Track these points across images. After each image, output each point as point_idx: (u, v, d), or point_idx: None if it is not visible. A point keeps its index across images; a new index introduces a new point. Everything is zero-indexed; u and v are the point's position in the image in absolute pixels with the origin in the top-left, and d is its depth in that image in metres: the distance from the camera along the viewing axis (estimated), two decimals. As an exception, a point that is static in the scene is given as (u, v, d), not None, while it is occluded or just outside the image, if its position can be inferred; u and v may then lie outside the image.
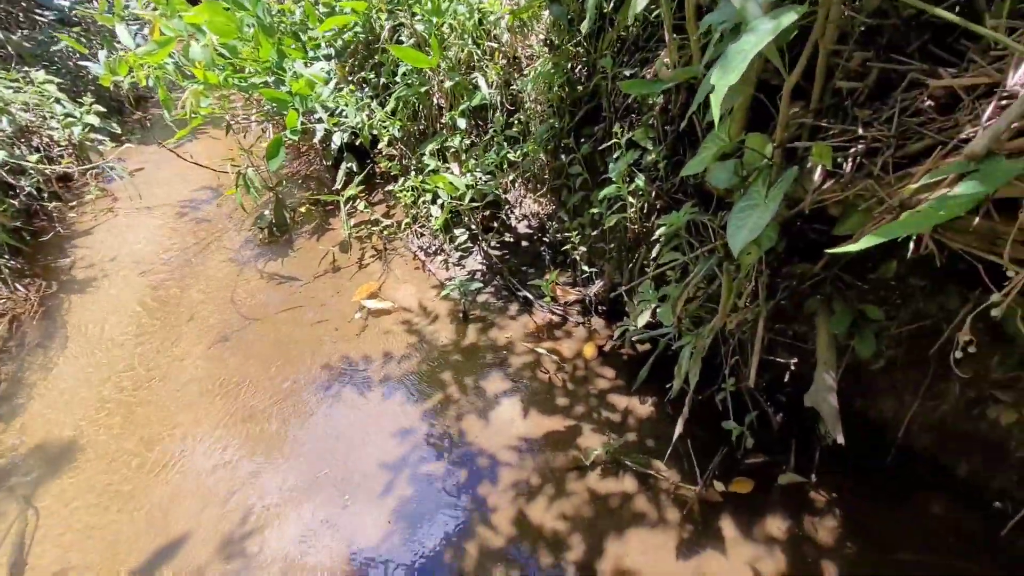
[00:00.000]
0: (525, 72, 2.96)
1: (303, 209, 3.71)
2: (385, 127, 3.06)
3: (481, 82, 2.79)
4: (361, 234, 3.41)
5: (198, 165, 4.06)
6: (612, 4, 2.15)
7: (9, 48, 4.71)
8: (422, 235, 3.24)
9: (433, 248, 3.15)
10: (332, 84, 2.97)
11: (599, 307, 2.59)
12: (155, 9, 3.13)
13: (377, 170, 3.64)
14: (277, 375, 2.54)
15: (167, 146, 3.94)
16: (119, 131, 4.37)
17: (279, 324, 2.84)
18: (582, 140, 2.59)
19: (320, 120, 3.15)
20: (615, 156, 2.08)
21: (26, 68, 4.61)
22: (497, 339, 2.58)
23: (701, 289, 1.83)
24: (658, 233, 1.80)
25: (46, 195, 3.72)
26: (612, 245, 2.37)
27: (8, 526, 1.99)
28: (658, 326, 2.12)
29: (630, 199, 2.07)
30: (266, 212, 3.43)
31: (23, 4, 5.19)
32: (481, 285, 2.67)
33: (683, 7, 1.55)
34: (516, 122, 2.82)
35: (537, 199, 3.21)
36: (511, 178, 2.79)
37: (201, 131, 5.00)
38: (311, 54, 3.32)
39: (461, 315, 2.69)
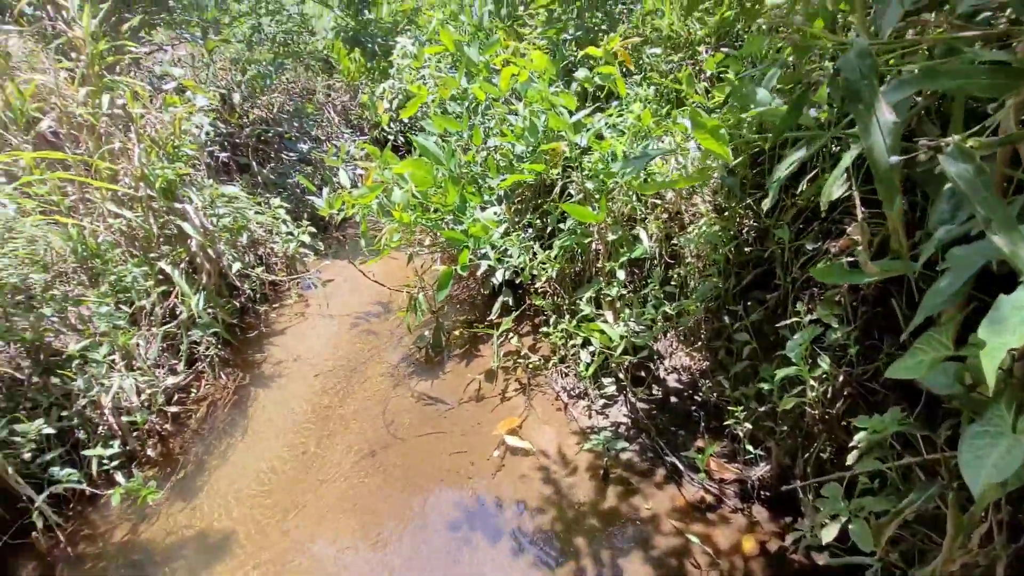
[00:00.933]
0: (688, 228, 2.99)
1: (457, 333, 3.96)
2: (544, 268, 3.24)
3: (643, 235, 2.87)
4: (507, 364, 3.51)
5: (377, 283, 4.62)
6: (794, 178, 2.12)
7: (259, 178, 6.02)
8: (566, 375, 3.23)
9: (577, 391, 3.11)
10: (502, 228, 3.27)
11: (763, 493, 2.27)
12: (370, 159, 3.83)
13: (529, 303, 3.81)
14: (411, 504, 2.56)
15: (356, 266, 4.56)
16: (321, 248, 5.20)
17: (421, 448, 2.92)
18: (749, 304, 2.46)
19: (486, 256, 3.44)
20: (793, 332, 1.92)
21: (267, 195, 5.85)
22: (640, 509, 2.36)
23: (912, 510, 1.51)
24: (857, 438, 1.56)
25: (258, 296, 4.45)
26: (784, 428, 2.11)
27: (163, 612, 2.14)
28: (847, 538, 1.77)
29: (812, 382, 1.87)
30: (426, 333, 3.72)
31: (275, 146, 6.71)
32: (626, 444, 2.52)
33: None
34: (675, 276, 2.80)
35: (690, 352, 3.07)
36: (664, 329, 2.71)
37: (386, 251, 5.78)
38: (486, 198, 3.74)
39: (602, 472, 2.54)
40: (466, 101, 3.97)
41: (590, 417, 2.93)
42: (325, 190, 4.04)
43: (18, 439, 2.23)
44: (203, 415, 3.18)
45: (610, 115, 3.12)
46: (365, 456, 2.90)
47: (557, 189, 3.30)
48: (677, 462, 2.51)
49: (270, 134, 6.57)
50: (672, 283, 2.77)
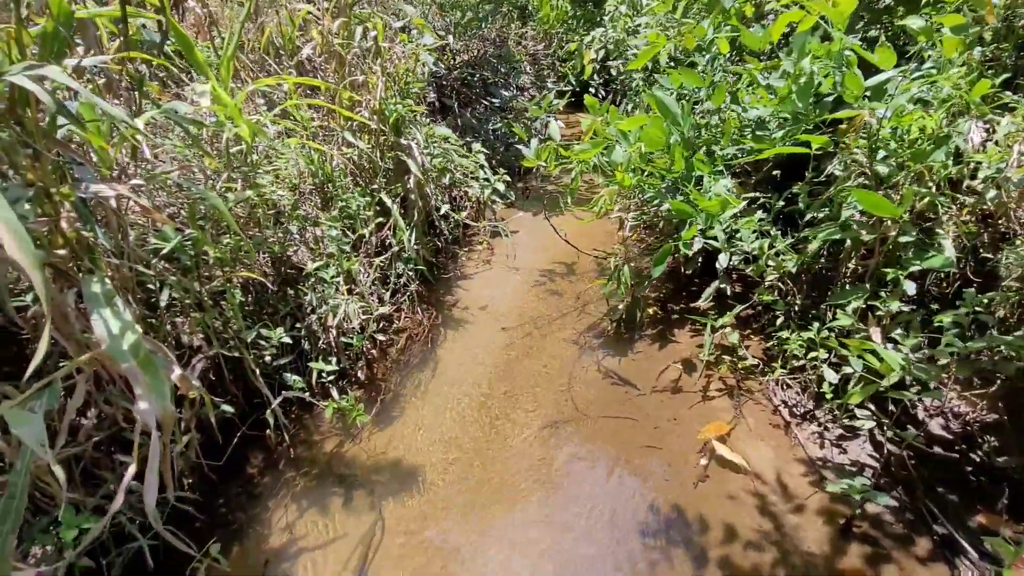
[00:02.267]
0: (1014, 240, 2.25)
1: (651, 311, 3.63)
2: (784, 261, 2.72)
3: (947, 244, 2.21)
4: (710, 357, 3.11)
5: (567, 242, 4.43)
6: None
7: (459, 121, 6.10)
8: (789, 386, 2.74)
9: (803, 410, 2.62)
10: (740, 206, 2.80)
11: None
12: (572, 112, 3.54)
13: (753, 298, 3.31)
14: (598, 493, 2.37)
15: (550, 222, 4.41)
16: (512, 197, 5.14)
17: (608, 431, 2.71)
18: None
19: (712, 236, 3.01)
20: None
21: (467, 139, 5.94)
22: (893, 583, 1.89)
23: None
24: None
25: (451, 239, 4.54)
26: None
27: (361, 532, 2.25)
28: None
29: None
30: (620, 306, 3.44)
31: (477, 91, 6.75)
32: (885, 498, 2.02)
33: None
34: (985, 303, 2.13)
35: (969, 397, 2.38)
36: (965, 371, 2.09)
37: (569, 209, 5.58)
38: (717, 168, 3.26)
39: (843, 524, 2.08)
40: (708, 53, 3.45)
41: (822, 447, 2.44)
42: (533, 140, 3.87)
43: (262, 343, 2.45)
44: (401, 346, 3.31)
45: (926, 80, 2.41)
46: (548, 426, 2.77)
47: (835, 169, 2.71)
48: (956, 534, 1.95)
49: (474, 78, 6.63)
50: (978, 311, 2.11)
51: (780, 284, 2.87)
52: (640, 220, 3.56)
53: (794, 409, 2.64)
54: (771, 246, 2.78)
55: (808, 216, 2.79)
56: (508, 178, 4.99)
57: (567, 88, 6.45)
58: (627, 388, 3.00)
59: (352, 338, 2.80)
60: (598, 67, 6.51)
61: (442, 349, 3.40)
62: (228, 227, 2.56)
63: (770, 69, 3.22)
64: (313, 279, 2.85)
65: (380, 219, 3.54)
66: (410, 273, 3.63)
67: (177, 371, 1.48)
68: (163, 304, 1.97)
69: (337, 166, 3.53)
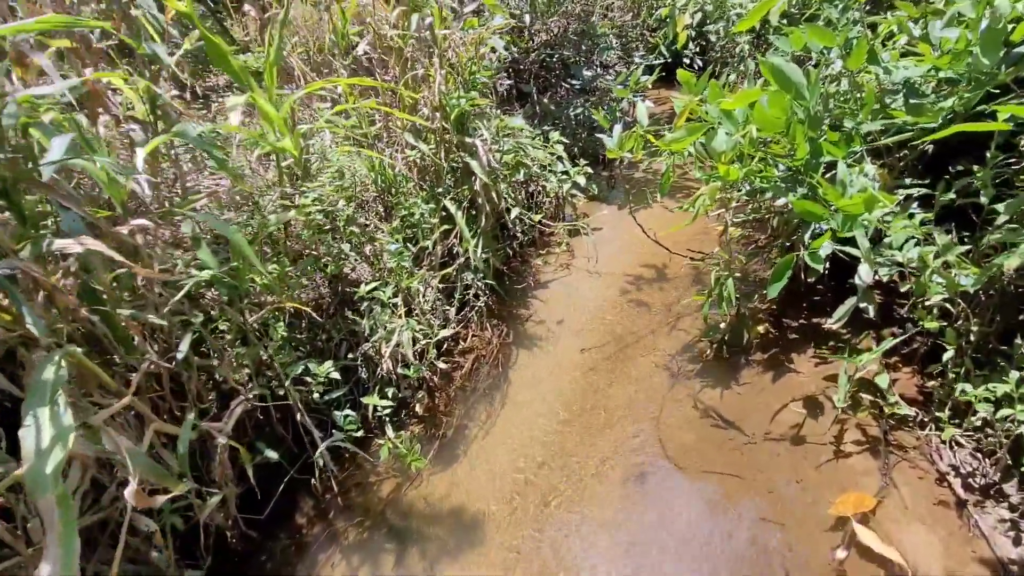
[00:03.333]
0: None
1: (760, 329, 3.00)
2: (959, 276, 2.02)
3: None
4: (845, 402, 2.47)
5: (656, 243, 3.87)
6: None
7: (538, 108, 5.64)
8: (961, 444, 2.06)
9: (985, 482, 1.94)
10: (893, 205, 2.12)
11: None
12: (667, 88, 2.94)
13: (916, 324, 2.60)
14: (695, 569, 1.90)
15: (637, 220, 3.87)
16: (594, 190, 4.63)
17: (707, 491, 2.20)
18: None
19: (848, 240, 2.35)
20: None
21: (544, 126, 5.47)
22: None
23: None
24: None
25: (526, 241, 4.14)
26: None
27: (413, 602, 1.96)
28: None
29: None
30: (722, 324, 2.86)
31: (556, 72, 6.23)
32: None
33: None
34: None
35: None
36: None
37: (659, 201, 4.96)
38: (853, 150, 2.55)
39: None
40: (839, 2, 2.70)
41: (1017, 542, 1.77)
42: (617, 127, 3.34)
43: (310, 379, 2.22)
44: (467, 370, 3.00)
45: None
46: (634, 477, 2.32)
47: (993, 146, 1.96)
48: None
49: (554, 59, 6.11)
50: None
51: (948, 305, 2.16)
52: (748, 217, 2.92)
53: (971, 480, 1.96)
54: (937, 255, 2.08)
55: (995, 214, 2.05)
56: (590, 169, 4.48)
57: (657, 62, 5.73)
58: (732, 432, 2.45)
59: (411, 369, 2.51)
60: (693, 34, 5.72)
61: (514, 373, 3.04)
62: (277, 251, 2.36)
63: (928, 15, 2.45)
64: (369, 301, 2.59)
65: (446, 227, 3.22)
66: (479, 285, 3.29)
67: (131, 487, 1.23)
68: (183, 351, 1.76)
69: (399, 171, 3.26)
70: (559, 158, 4.48)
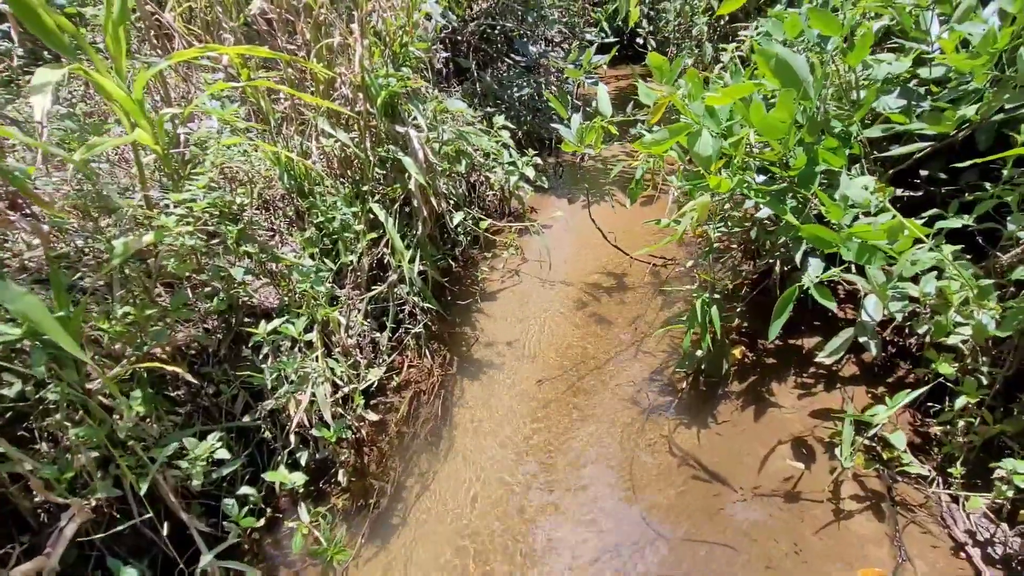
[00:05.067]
0: None
1: (737, 353, 2.69)
2: (983, 322, 1.73)
3: None
4: (831, 434, 2.20)
5: (617, 249, 3.47)
6: None
7: (478, 86, 5.05)
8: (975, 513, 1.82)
9: (1008, 551, 1.70)
10: (926, 242, 1.79)
11: None
12: (639, 72, 2.50)
13: (917, 363, 2.34)
14: None
15: (597, 225, 3.44)
16: (545, 183, 4.15)
17: (696, 569, 1.85)
18: None
19: (853, 269, 2.03)
20: None
21: (487, 107, 4.90)
22: None
23: None
24: None
25: (468, 243, 3.62)
26: None
27: None
28: None
29: None
30: (698, 352, 2.51)
31: (498, 46, 5.63)
32: None
33: None
34: None
35: None
36: None
37: (610, 192, 4.57)
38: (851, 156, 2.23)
39: None
40: (842, -16, 2.34)
41: (1055, 635, 1.54)
42: (575, 118, 2.87)
43: (184, 464, 1.63)
44: (404, 413, 2.48)
45: None
46: (608, 553, 1.93)
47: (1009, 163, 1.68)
48: None
49: (495, 31, 5.50)
50: None
51: (968, 354, 1.89)
52: (729, 229, 2.56)
53: (991, 550, 1.72)
54: (958, 289, 1.79)
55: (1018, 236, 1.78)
56: (539, 159, 4.00)
57: (610, 40, 5.27)
58: (717, 487, 2.12)
59: (331, 430, 1.96)
60: (647, 11, 5.31)
61: (459, 412, 2.56)
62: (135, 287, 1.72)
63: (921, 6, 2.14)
64: (273, 339, 2.00)
65: (373, 234, 2.64)
66: (415, 303, 2.75)
67: None
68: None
69: (314, 165, 2.63)
70: (505, 146, 3.97)
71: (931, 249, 1.73)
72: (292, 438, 1.89)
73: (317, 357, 2.07)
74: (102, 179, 1.90)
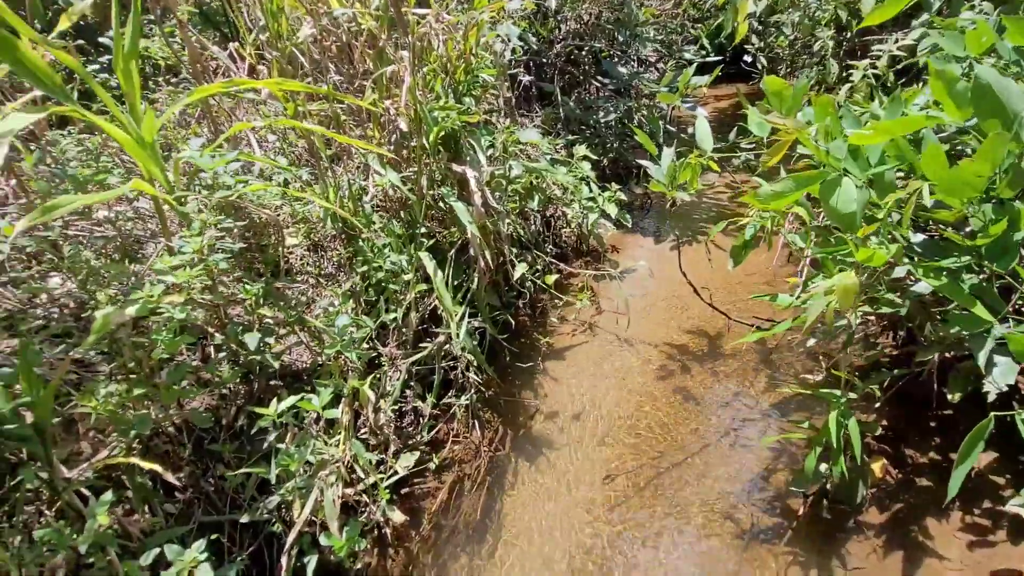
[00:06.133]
0: None
1: (876, 468, 2.03)
2: None
3: None
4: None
5: (712, 307, 2.90)
6: None
7: (562, 111, 4.67)
8: None
9: None
10: None
11: None
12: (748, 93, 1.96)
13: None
14: None
15: (691, 283, 2.90)
16: (627, 221, 3.65)
17: None
18: None
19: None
20: None
21: (569, 134, 4.50)
22: None
23: None
24: None
25: (534, 288, 3.19)
26: None
27: None
28: None
29: None
30: (823, 467, 1.89)
31: (585, 68, 5.23)
32: None
33: None
34: None
35: None
36: None
37: (705, 230, 3.97)
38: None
39: None
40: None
41: None
42: (666, 153, 2.39)
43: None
44: (443, 503, 2.09)
45: None
46: None
47: None
48: None
49: (583, 52, 5.11)
50: None
51: None
52: (875, 309, 1.93)
53: None
54: None
55: None
56: (623, 195, 3.52)
57: (712, 59, 4.68)
58: (850, 673, 1.51)
59: (342, 538, 1.62)
60: (757, 26, 4.68)
61: (508, 507, 2.13)
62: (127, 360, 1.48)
63: None
64: (284, 420, 1.70)
65: (424, 286, 2.31)
66: (468, 360, 2.37)
67: None
68: None
69: (368, 204, 2.36)
70: (584, 180, 3.54)
71: None
72: (296, 538, 1.56)
73: (340, 440, 1.74)
74: (120, 227, 1.71)
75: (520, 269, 2.54)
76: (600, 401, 2.57)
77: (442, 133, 2.06)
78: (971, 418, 2.09)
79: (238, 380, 1.78)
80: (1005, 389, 1.64)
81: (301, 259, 2.24)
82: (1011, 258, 1.49)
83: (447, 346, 2.33)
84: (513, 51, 3.49)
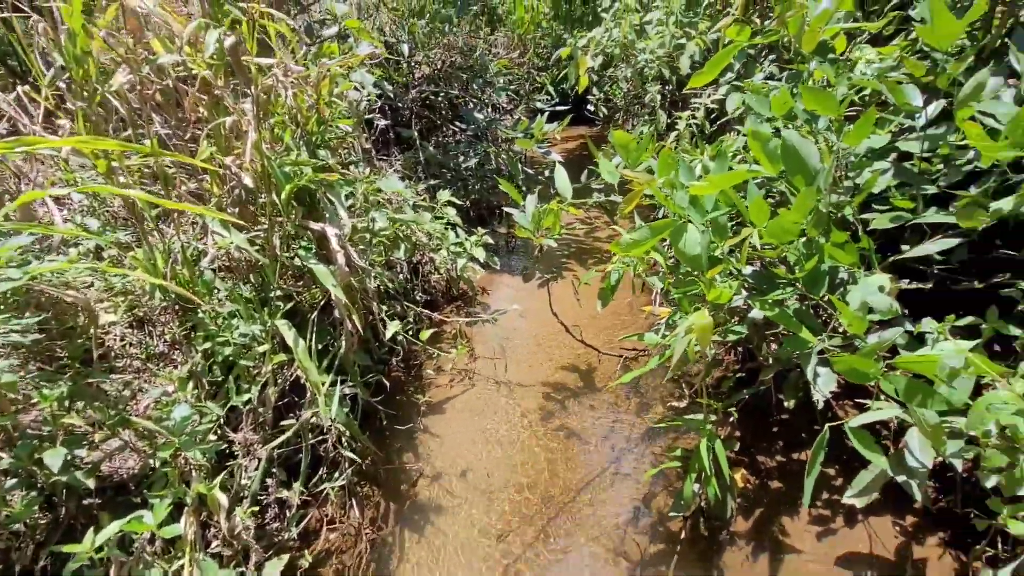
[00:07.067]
0: None
1: (738, 477, 2.23)
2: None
3: None
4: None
5: (583, 343, 3.02)
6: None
7: (422, 155, 4.66)
8: None
9: None
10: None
11: None
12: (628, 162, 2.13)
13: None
14: None
15: (561, 320, 2.99)
16: (496, 263, 3.70)
17: None
18: None
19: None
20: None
21: (430, 178, 4.49)
22: None
23: None
24: None
25: (411, 332, 3.06)
26: None
27: None
28: None
29: None
30: (695, 487, 2.02)
31: (443, 113, 5.31)
32: None
33: None
34: None
35: None
36: None
37: (569, 266, 4.18)
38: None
39: None
40: (828, 55, 2.07)
41: None
42: (530, 200, 2.47)
43: None
44: (317, 603, 1.84)
45: None
46: None
47: None
48: None
49: (438, 97, 5.19)
50: None
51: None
52: (723, 338, 2.14)
53: None
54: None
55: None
56: (489, 239, 3.57)
57: (562, 108, 5.02)
58: None
59: None
60: (595, 78, 5.15)
61: (396, 588, 1.94)
62: None
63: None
64: (104, 551, 1.36)
65: (284, 356, 2.06)
66: (340, 431, 2.15)
67: None
68: None
69: (211, 265, 2.07)
70: (450, 225, 3.53)
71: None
72: None
73: (184, 564, 1.44)
74: None
75: (393, 328, 2.40)
76: (485, 453, 2.50)
77: (289, 191, 1.89)
78: (804, 418, 2.41)
79: (37, 509, 1.40)
80: (829, 396, 1.89)
81: (122, 340, 1.88)
82: (822, 286, 1.74)
83: (314, 420, 2.10)
84: (369, 98, 3.40)
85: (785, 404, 2.25)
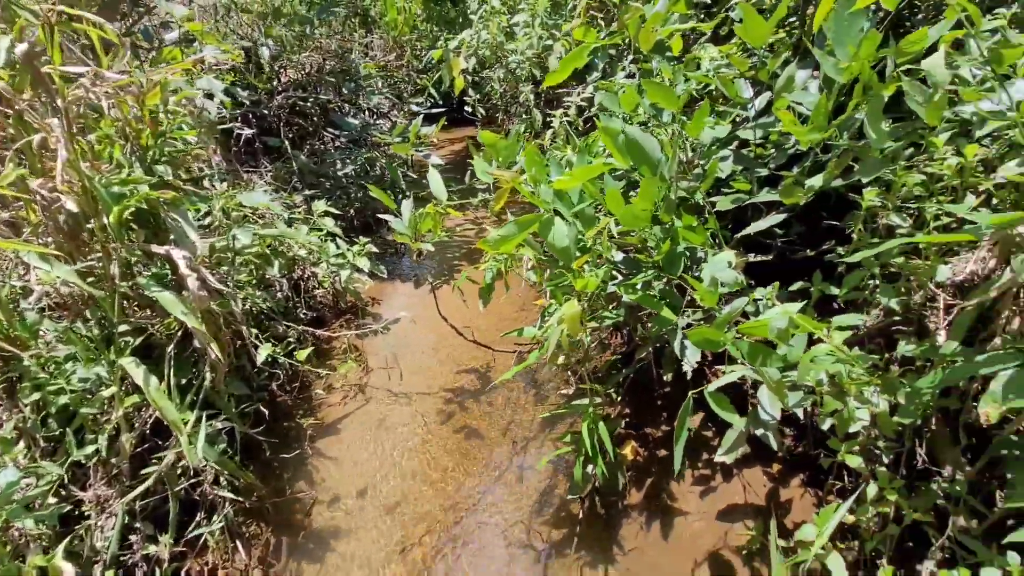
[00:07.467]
0: None
1: (628, 452, 2.35)
2: (893, 416, 1.56)
3: None
4: (747, 541, 1.91)
5: (476, 343, 3.02)
6: None
7: (294, 164, 4.41)
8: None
9: None
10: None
11: None
12: (476, 144, 2.16)
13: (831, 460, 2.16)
14: None
15: (450, 323, 2.97)
16: (382, 271, 3.59)
17: None
18: None
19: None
20: None
21: (308, 190, 4.25)
22: None
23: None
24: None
25: (294, 351, 2.88)
26: None
27: None
28: None
29: None
30: (588, 469, 2.10)
31: (315, 119, 5.06)
32: None
33: None
34: None
35: None
36: None
37: (458, 267, 4.18)
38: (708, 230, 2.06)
39: None
40: (665, 53, 2.23)
41: None
42: (406, 205, 2.43)
43: None
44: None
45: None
46: None
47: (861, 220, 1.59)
48: None
49: (308, 103, 4.93)
50: None
51: (876, 450, 1.72)
52: (600, 323, 2.24)
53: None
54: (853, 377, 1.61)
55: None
56: (373, 248, 3.46)
57: (438, 110, 4.99)
58: (645, 655, 1.68)
59: None
60: (472, 79, 5.18)
61: (294, 627, 1.82)
62: None
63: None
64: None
65: (138, 397, 1.84)
66: (215, 470, 1.97)
67: None
68: None
69: (36, 304, 1.79)
70: (330, 236, 3.38)
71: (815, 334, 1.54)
72: None
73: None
74: None
75: (264, 351, 2.24)
76: (385, 467, 2.42)
77: (118, 213, 1.68)
78: (683, 389, 2.59)
79: None
80: (695, 366, 2.05)
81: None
82: (678, 266, 1.88)
83: (185, 462, 1.90)
84: (224, 105, 3.14)
85: (664, 377, 2.41)
